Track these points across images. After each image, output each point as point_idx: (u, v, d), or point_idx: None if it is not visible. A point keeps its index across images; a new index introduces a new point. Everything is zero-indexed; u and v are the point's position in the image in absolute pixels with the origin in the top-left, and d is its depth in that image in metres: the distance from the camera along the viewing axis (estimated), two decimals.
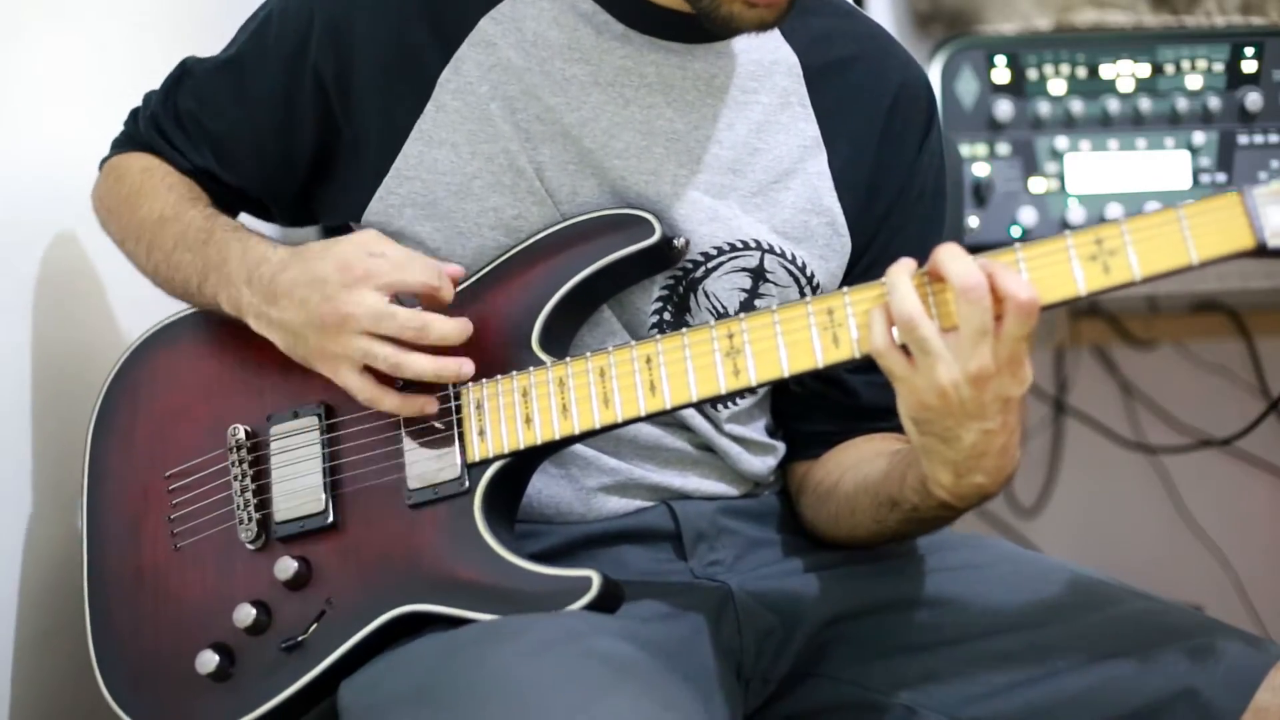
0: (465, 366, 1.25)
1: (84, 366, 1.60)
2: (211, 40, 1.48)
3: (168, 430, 1.40)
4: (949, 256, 1.12)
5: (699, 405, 1.18)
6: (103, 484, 1.41)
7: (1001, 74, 2.03)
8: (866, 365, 1.20)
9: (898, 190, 1.40)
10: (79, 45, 1.66)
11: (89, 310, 1.64)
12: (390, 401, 1.26)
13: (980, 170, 2.02)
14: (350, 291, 1.24)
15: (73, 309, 1.62)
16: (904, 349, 1.13)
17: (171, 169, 1.45)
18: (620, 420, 1.22)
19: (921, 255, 1.15)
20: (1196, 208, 1.09)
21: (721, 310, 1.34)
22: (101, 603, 1.38)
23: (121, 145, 1.50)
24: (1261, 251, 1.08)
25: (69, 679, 1.50)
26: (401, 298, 1.27)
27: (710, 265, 1.33)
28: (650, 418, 1.22)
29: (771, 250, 1.34)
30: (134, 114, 1.51)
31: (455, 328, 1.25)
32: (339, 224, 1.43)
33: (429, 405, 1.27)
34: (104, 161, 1.51)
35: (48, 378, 1.53)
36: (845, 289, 1.17)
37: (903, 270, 1.14)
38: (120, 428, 1.42)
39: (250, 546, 1.33)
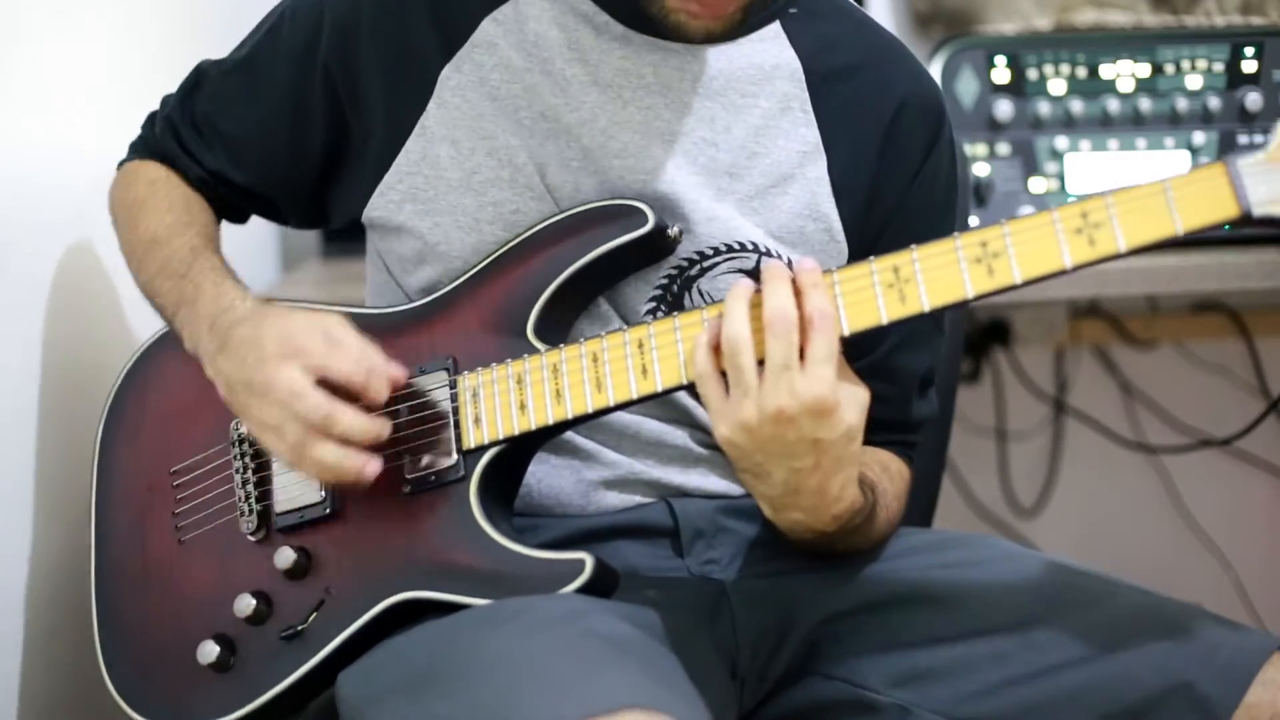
0: (369, 467, 1.22)
1: (93, 368, 1.61)
2: (223, 40, 1.49)
3: (173, 428, 1.41)
4: (771, 283, 1.13)
5: (690, 388, 1.19)
6: (110, 481, 1.42)
7: (1001, 74, 2.04)
8: (875, 372, 1.20)
9: (898, 201, 1.39)
10: (91, 48, 1.67)
11: (100, 312, 1.65)
12: (307, 468, 1.24)
13: (980, 170, 2.02)
14: (278, 363, 1.23)
15: (84, 311, 1.62)
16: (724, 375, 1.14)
17: (178, 182, 1.46)
18: (612, 404, 1.22)
19: None
20: (1182, 179, 1.10)
21: None
22: (108, 597, 1.39)
23: (138, 149, 1.52)
24: (1247, 220, 1.08)
25: (76, 675, 1.51)
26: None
27: (706, 265, 1.33)
28: (643, 400, 1.22)
29: (768, 253, 1.34)
30: (151, 117, 1.52)
31: (363, 429, 1.22)
32: (345, 223, 1.44)
33: (363, 474, 1.23)
34: (121, 164, 1.52)
35: (57, 379, 1.54)
36: (835, 270, 1.17)
37: (741, 293, 1.15)
38: (128, 427, 1.43)
39: (251, 538, 1.33)
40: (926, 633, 1.29)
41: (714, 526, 1.36)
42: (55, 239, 1.57)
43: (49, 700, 1.51)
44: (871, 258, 1.16)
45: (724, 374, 1.15)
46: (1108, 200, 1.11)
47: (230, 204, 1.49)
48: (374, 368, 1.24)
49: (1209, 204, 1.09)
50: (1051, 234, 1.12)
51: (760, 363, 1.13)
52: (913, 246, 1.15)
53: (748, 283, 1.16)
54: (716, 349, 1.15)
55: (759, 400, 1.12)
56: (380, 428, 1.24)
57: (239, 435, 1.35)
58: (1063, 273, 1.12)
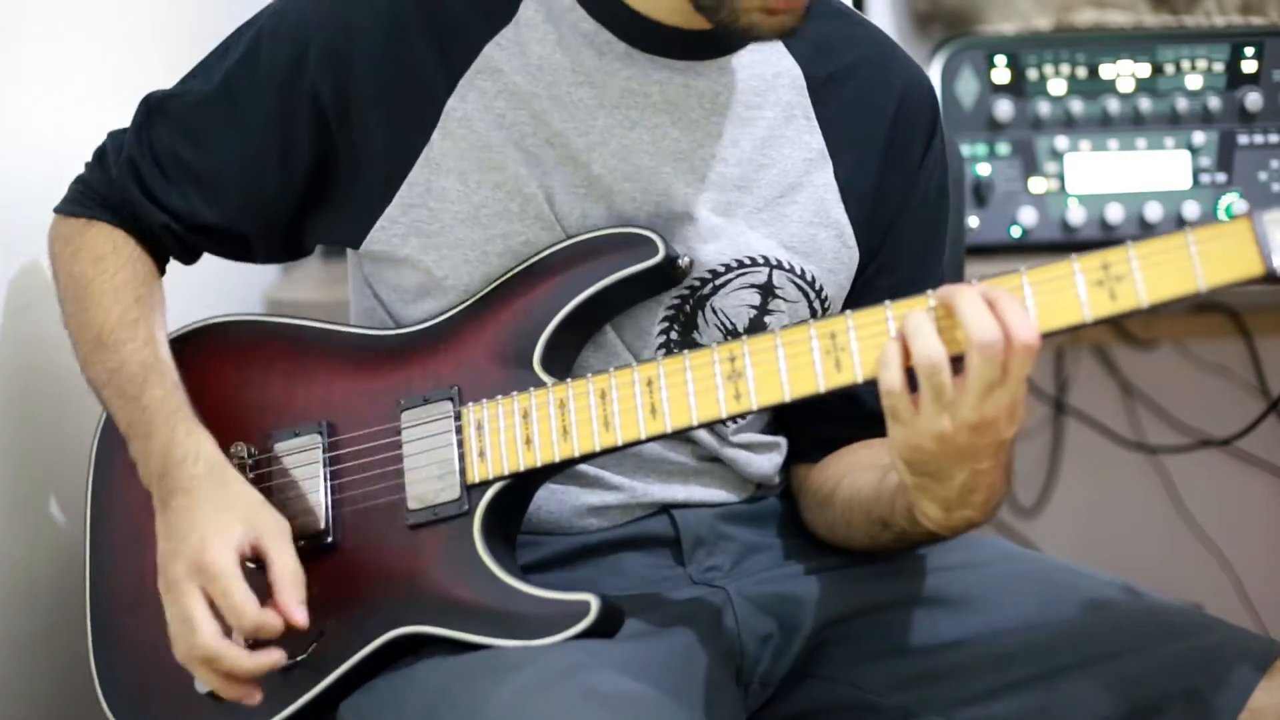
0: (250, 698, 1.23)
1: (69, 372, 1.59)
2: (211, 44, 1.44)
3: None
4: (966, 302, 1.10)
5: (700, 428, 1.18)
6: (106, 497, 1.40)
7: (1001, 74, 2.04)
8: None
9: (902, 197, 1.39)
10: (73, 46, 1.65)
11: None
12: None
13: (980, 170, 2.02)
14: (183, 574, 1.23)
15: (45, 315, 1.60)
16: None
17: (127, 253, 1.38)
18: (620, 443, 1.21)
19: (923, 259, 1.14)
20: (1206, 233, 1.08)
21: (730, 327, 1.33)
22: (103, 618, 1.38)
23: (82, 199, 1.42)
24: (1270, 279, 1.06)
25: (64, 682, 1.50)
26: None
27: (718, 282, 1.32)
28: (651, 440, 1.21)
29: (780, 266, 1.34)
30: (99, 156, 1.43)
31: (248, 667, 1.21)
32: (337, 246, 1.42)
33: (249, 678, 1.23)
34: (62, 210, 1.42)
35: (31, 380, 1.52)
36: (849, 312, 1.16)
37: (924, 314, 1.11)
38: (124, 445, 1.39)
39: (250, 565, 1.30)
40: (928, 635, 1.29)
41: (714, 534, 1.36)
42: (25, 235, 1.50)
43: (37, 706, 1.50)
44: (887, 301, 1.14)
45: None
46: (1130, 253, 1.09)
47: (188, 246, 1.42)
48: (263, 625, 1.21)
49: (1233, 261, 1.07)
50: (1071, 285, 1.10)
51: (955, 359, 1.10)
52: (887, 303, 1.13)
53: (921, 299, 1.13)
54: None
55: (965, 412, 1.09)
56: (259, 663, 1.21)
57: (239, 460, 1.33)
58: (1082, 326, 1.10)
